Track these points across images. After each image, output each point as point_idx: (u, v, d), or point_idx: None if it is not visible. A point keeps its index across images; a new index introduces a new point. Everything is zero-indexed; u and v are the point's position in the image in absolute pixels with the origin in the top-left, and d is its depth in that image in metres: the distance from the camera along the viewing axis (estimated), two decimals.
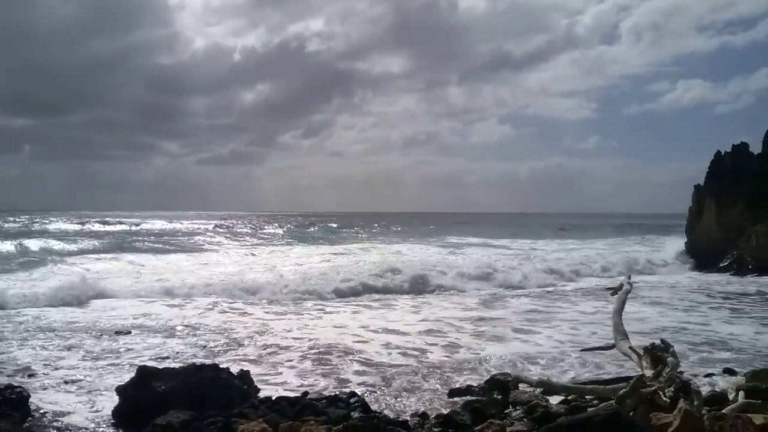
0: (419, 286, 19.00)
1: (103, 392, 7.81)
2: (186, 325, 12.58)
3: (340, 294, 17.38)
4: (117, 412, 6.85)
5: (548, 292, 18.87)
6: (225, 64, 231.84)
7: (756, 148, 29.49)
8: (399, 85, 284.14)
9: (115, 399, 6.99)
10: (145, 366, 7.54)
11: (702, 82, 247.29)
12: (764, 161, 28.74)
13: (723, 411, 5.43)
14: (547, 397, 7.10)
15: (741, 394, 6.36)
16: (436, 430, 6.47)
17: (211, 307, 15.02)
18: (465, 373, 9.13)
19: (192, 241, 40.92)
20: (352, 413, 6.67)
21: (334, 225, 71.29)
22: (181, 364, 8.50)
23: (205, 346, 10.77)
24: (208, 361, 8.65)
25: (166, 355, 10.09)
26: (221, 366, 7.66)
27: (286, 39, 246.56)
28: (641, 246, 41.24)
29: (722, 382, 8.25)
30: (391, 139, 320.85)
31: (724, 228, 28.75)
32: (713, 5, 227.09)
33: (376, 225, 72.67)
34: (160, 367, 7.78)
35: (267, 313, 14.49)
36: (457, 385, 8.11)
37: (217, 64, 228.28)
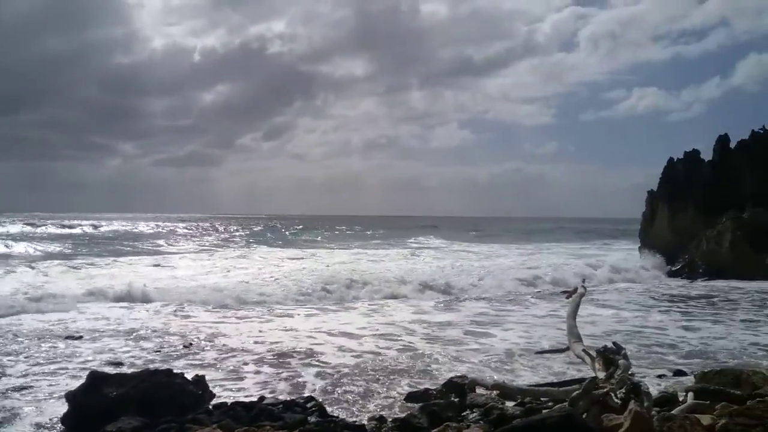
0: (378, 290, 18.90)
1: (52, 399, 7.60)
2: (141, 330, 12.34)
3: (299, 298, 17.21)
4: (66, 420, 6.66)
5: (505, 296, 19.01)
6: (184, 64, 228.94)
7: (707, 155, 30.42)
8: (361, 89, 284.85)
9: (65, 406, 6.80)
10: (95, 371, 7.35)
11: (656, 91, 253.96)
12: (714, 168, 29.61)
13: (672, 412, 5.55)
14: (503, 400, 7.18)
15: (690, 395, 6.51)
16: None
17: (167, 311, 14.76)
18: (422, 376, 9.16)
19: (149, 244, 40.25)
20: (308, 418, 6.63)
21: (298, 227, 70.85)
22: (135, 370, 8.33)
23: (159, 351, 10.57)
24: (162, 367, 8.50)
25: (119, 360, 9.88)
26: (176, 371, 7.53)
27: (247, 40, 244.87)
28: (600, 250, 42.04)
29: (673, 384, 8.45)
30: (352, 142, 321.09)
31: (676, 233, 29.50)
32: (668, 16, 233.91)
33: (344, 228, 72.32)
34: (112, 372, 7.61)
35: (225, 317, 14.30)
36: (414, 389, 8.13)
37: (176, 65, 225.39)
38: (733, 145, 29.63)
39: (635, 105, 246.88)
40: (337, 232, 64.41)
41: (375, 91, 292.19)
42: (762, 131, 29.03)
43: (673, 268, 27.88)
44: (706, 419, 5.32)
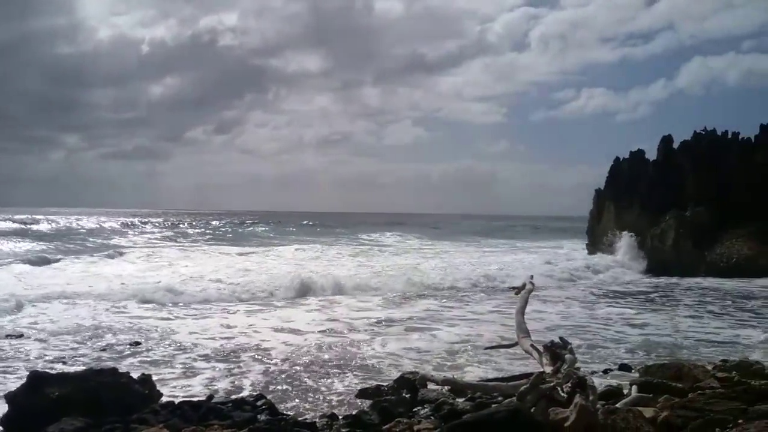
0: (328, 287, 18.75)
1: None
2: (86, 329, 12.01)
3: (248, 296, 16.97)
4: (6, 421, 6.43)
5: (455, 293, 19.12)
6: (132, 55, 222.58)
7: (652, 155, 31.26)
8: (314, 84, 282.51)
9: (4, 407, 6.57)
10: (36, 371, 7.12)
11: (604, 91, 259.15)
12: (658, 168, 30.45)
13: (616, 405, 5.69)
14: (455, 396, 7.24)
15: (634, 388, 6.68)
16: (344, 430, 6.46)
17: (114, 309, 14.40)
18: (372, 373, 9.19)
19: (94, 240, 39.21)
20: (258, 416, 6.56)
21: (250, 223, 69.95)
22: (79, 369, 8.11)
23: (105, 350, 10.33)
24: (108, 366, 8.29)
25: (63, 359, 9.61)
26: (122, 370, 7.37)
27: (198, 32, 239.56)
28: (550, 247, 42.81)
29: (618, 378, 8.67)
30: (305, 138, 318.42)
31: (622, 230, 30.22)
32: (616, 19, 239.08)
33: (296, 224, 71.67)
34: (55, 372, 7.39)
35: (172, 315, 14.05)
36: (365, 386, 8.13)
37: (123, 56, 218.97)
38: (676, 145, 30.52)
39: (584, 105, 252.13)
40: (292, 228, 63.82)
41: (329, 86, 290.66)
42: (704, 132, 29.98)
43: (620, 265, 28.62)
44: (648, 412, 5.48)
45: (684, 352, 10.80)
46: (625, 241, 29.00)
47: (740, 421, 5.04)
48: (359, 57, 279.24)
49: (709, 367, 8.22)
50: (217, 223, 67.72)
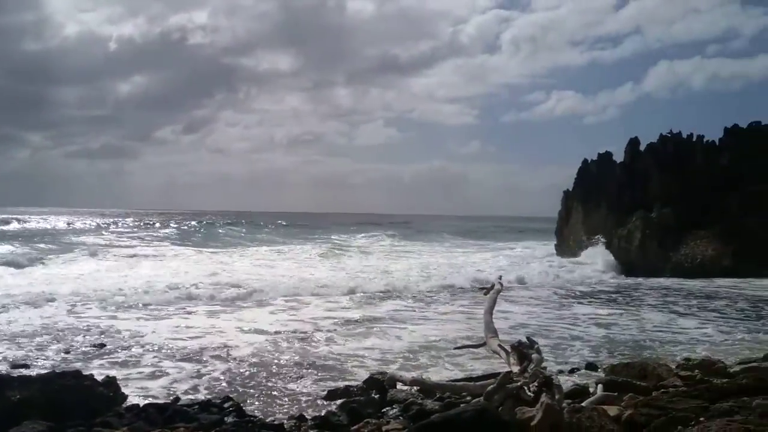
0: (296, 287, 18.64)
1: None
2: (50, 330, 11.77)
3: (216, 296, 16.75)
4: None
5: (425, 293, 19.13)
6: (99, 53, 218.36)
7: (619, 157, 31.75)
8: (285, 84, 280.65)
9: None
10: None
11: (573, 94, 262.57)
12: (625, 169, 30.93)
13: (582, 404, 5.75)
14: (424, 396, 7.26)
15: (599, 387, 6.77)
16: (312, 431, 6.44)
17: (77, 311, 14.12)
18: (341, 374, 9.16)
19: (58, 240, 38.41)
20: (225, 418, 6.51)
21: (220, 223, 69.13)
22: (42, 371, 7.95)
23: (69, 352, 10.13)
24: (72, 368, 8.14)
25: (25, 362, 9.39)
26: (85, 373, 7.24)
27: (167, 30, 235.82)
28: (520, 247, 43.20)
29: (584, 377, 8.78)
30: (276, 137, 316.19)
31: (590, 231, 30.67)
32: (585, 22, 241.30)
33: (267, 225, 71.11)
34: (16, 374, 7.23)
35: (139, 316, 13.81)
36: (334, 387, 8.10)
37: (90, 53, 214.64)
38: (643, 147, 31.03)
39: (554, 107, 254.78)
40: (267, 228, 63.25)
41: (300, 86, 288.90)
42: (669, 135, 30.52)
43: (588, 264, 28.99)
44: (613, 410, 5.55)
45: (649, 351, 10.96)
46: (593, 243, 29.41)
47: (702, 418, 5.12)
48: (331, 57, 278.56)
49: (673, 366, 8.36)
50: (190, 224, 66.67)
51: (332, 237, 52.13)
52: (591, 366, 9.51)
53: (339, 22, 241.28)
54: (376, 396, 7.47)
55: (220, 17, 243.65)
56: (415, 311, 15.42)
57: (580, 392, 7.04)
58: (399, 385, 7.73)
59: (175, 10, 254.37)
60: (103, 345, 10.63)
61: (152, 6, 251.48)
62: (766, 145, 29.59)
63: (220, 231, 55.66)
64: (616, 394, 6.39)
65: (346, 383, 8.23)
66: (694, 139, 30.39)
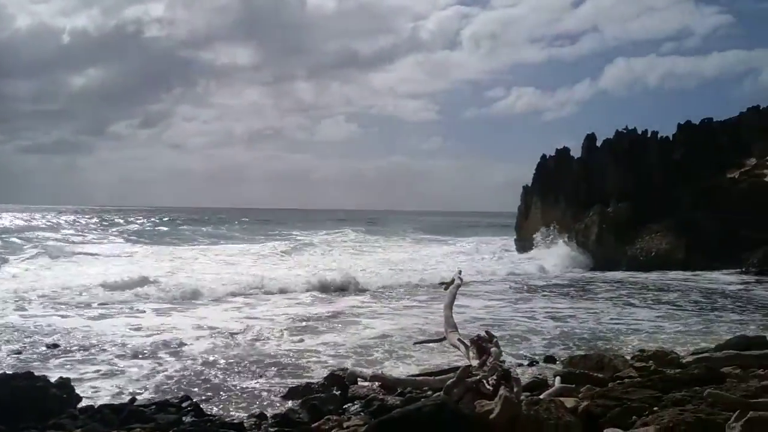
0: (254, 284, 18.41)
1: None
2: None
3: (173, 294, 16.43)
4: None
5: (384, 288, 19.12)
6: (52, 45, 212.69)
7: (576, 153, 32.26)
8: (245, 78, 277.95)
9: None
10: None
11: (533, 91, 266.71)
12: (582, 165, 31.45)
13: (540, 396, 5.83)
14: (385, 391, 7.27)
15: (557, 379, 6.87)
16: (272, 430, 6.39)
17: (31, 310, 13.74)
18: (302, 370, 9.11)
19: (12, 237, 37.32)
20: (183, 418, 6.41)
21: (182, 219, 68.02)
22: None
23: (21, 353, 9.85)
24: (23, 369, 7.91)
25: None
26: (38, 374, 7.05)
27: (123, 22, 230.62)
28: (480, 242, 43.57)
29: (544, 369, 8.90)
30: (235, 132, 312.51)
31: (548, 225, 31.09)
32: (544, 19, 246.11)
33: (227, 221, 70.22)
34: None
35: (94, 316, 13.49)
36: (295, 384, 8.05)
37: (42, 46, 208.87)
38: (599, 143, 31.57)
39: (513, 104, 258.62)
40: (228, 226, 62.40)
41: (260, 80, 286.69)
42: (625, 131, 31.11)
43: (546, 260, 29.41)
44: (570, 402, 5.63)
45: (604, 343, 11.17)
46: (551, 238, 29.83)
47: (655, 408, 5.24)
48: (291, 51, 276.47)
49: (628, 357, 8.54)
50: (151, 220, 65.39)
51: (294, 233, 51.81)
52: (549, 359, 9.65)
53: (299, 16, 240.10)
54: (338, 392, 7.45)
55: (178, 9, 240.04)
56: (374, 307, 15.40)
57: (538, 385, 7.13)
58: (360, 381, 7.72)
59: (131, 2, 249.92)
60: (56, 345, 10.37)
61: None
62: (716, 141, 30.47)
63: (182, 228, 54.69)
64: (573, 386, 6.48)
65: (307, 380, 8.19)
66: (649, 135, 31.04)
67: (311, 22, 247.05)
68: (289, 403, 7.33)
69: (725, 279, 22.08)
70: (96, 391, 7.90)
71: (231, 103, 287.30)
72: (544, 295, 18.16)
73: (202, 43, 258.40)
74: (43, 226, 53.00)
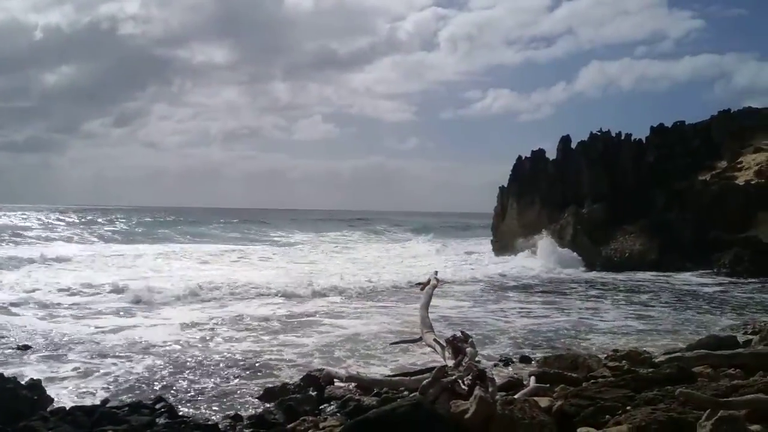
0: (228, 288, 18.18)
1: None
2: None
3: (149, 296, 16.16)
4: None
5: (359, 289, 19.02)
6: (23, 42, 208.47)
7: (552, 154, 32.53)
8: (221, 77, 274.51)
9: None
10: None
11: (509, 92, 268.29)
12: (557, 166, 31.76)
13: (515, 396, 5.87)
14: (362, 392, 7.26)
15: (532, 379, 6.91)
16: (247, 431, 6.36)
17: (1, 311, 13.49)
18: (274, 371, 9.06)
19: None
20: (157, 420, 6.35)
21: (161, 219, 67.02)
22: None
23: None
24: None
25: None
26: (8, 375, 6.93)
27: (97, 19, 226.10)
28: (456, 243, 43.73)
29: (519, 369, 8.96)
30: (211, 131, 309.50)
31: (524, 227, 31.32)
32: (520, 22, 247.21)
33: (222, 222, 69.34)
34: None
35: (65, 317, 13.25)
36: (271, 384, 8.01)
37: (13, 42, 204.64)
38: (574, 145, 31.91)
39: (490, 105, 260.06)
40: (207, 227, 61.54)
41: (236, 80, 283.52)
42: (599, 133, 31.47)
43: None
44: (544, 401, 5.68)
45: (578, 343, 11.28)
46: (529, 242, 29.96)
47: (628, 407, 5.30)
48: (268, 50, 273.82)
49: (602, 357, 8.63)
50: (132, 221, 64.14)
51: (271, 234, 51.55)
52: (525, 359, 9.72)
53: (277, 15, 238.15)
54: (314, 393, 7.42)
55: (153, 7, 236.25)
56: (349, 307, 15.32)
57: (513, 384, 7.17)
58: (336, 382, 7.71)
59: None
60: (27, 347, 10.19)
61: None
62: (688, 144, 30.97)
63: (162, 230, 53.63)
64: (548, 385, 6.53)
65: (283, 381, 8.15)
66: (623, 137, 31.44)
67: (289, 21, 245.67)
68: (265, 404, 7.29)
69: (697, 280, 22.43)
70: (67, 393, 7.79)
71: (207, 102, 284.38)
72: (517, 296, 18.23)
73: (177, 41, 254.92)
74: (25, 226, 51.79)
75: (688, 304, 16.52)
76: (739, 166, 28.90)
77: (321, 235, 51.85)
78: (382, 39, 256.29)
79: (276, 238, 46.96)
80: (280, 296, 16.93)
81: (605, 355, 8.83)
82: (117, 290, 16.46)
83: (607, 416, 5.23)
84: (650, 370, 7.07)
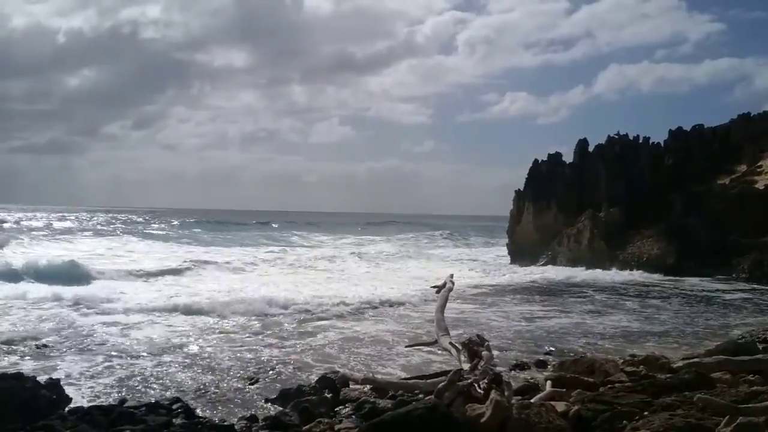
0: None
1: None
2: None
3: (170, 303, 16.11)
4: None
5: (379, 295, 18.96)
6: (47, 46, 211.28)
7: (569, 158, 32.38)
8: (240, 80, 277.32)
9: None
10: None
11: (526, 95, 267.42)
12: (574, 169, 31.57)
13: (531, 400, 5.84)
14: (377, 395, 7.26)
15: (548, 383, 6.88)
16: None
17: (20, 310, 13.59)
18: (293, 374, 9.08)
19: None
20: (173, 420, 6.38)
21: (175, 222, 66.99)
22: None
23: (10, 354, 9.78)
24: (12, 370, 7.85)
25: None
26: (27, 375, 7.00)
27: (118, 24, 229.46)
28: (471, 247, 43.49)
29: (534, 373, 8.92)
30: (229, 134, 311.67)
31: (540, 230, 31.19)
32: (538, 25, 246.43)
33: (247, 224, 69.28)
34: None
35: (84, 318, 13.30)
36: (288, 386, 8.03)
37: (37, 46, 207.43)
38: (591, 148, 31.71)
39: (507, 108, 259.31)
40: (240, 227, 61.19)
41: (255, 83, 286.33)
42: (617, 136, 31.26)
43: (538, 264, 29.53)
44: (561, 406, 5.64)
45: (594, 347, 11.20)
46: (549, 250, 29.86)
47: (645, 413, 5.26)
48: (287, 54, 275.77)
49: (619, 362, 8.56)
50: (172, 222, 63.69)
51: (291, 239, 51.02)
52: (541, 363, 9.67)
53: (296, 19, 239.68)
54: (329, 395, 7.43)
55: (174, 12, 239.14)
56: (364, 313, 15.18)
57: (530, 388, 7.14)
58: (351, 384, 7.71)
59: (127, 4, 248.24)
60: (45, 346, 10.31)
61: None
62: (708, 148, 30.66)
63: (195, 231, 52.84)
64: (564, 390, 6.49)
65: (299, 383, 8.17)
66: (641, 140, 31.20)
67: (307, 25, 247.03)
68: (286, 404, 7.31)
69: (715, 285, 22.18)
70: (86, 392, 7.87)
71: (225, 105, 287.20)
72: (533, 300, 18.12)
73: (197, 45, 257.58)
74: (37, 225, 52.16)
75: (707, 309, 16.37)
76: (758, 170, 28.56)
77: (344, 237, 51.56)
78: (401, 42, 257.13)
79: (297, 244, 46.31)
80: (302, 301, 16.60)
81: (622, 360, 8.76)
82: (141, 296, 16.51)
83: (624, 421, 5.18)
84: (668, 375, 7.02)
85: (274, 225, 67.12)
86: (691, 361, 7.81)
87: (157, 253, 31.02)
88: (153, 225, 60.12)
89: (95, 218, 68.13)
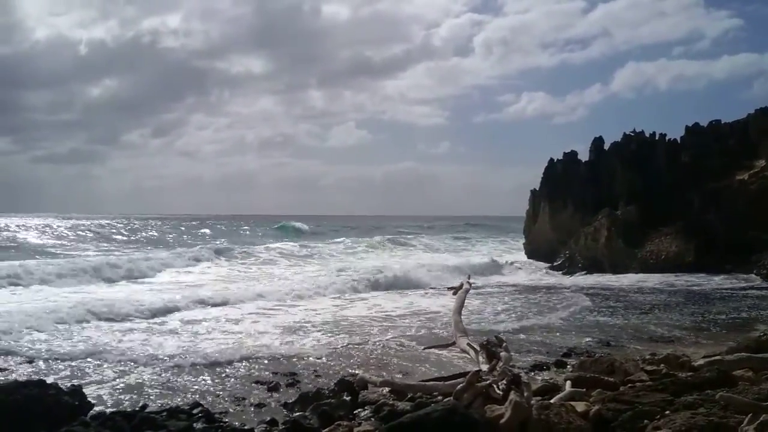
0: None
1: None
2: (10, 339, 11.42)
3: (188, 303, 16.26)
4: None
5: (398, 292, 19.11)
6: (69, 56, 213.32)
7: (585, 156, 32.17)
8: (258, 86, 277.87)
9: None
10: None
11: (543, 95, 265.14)
12: (590, 168, 31.35)
13: (551, 400, 5.81)
14: (396, 397, 7.26)
15: (568, 383, 6.83)
16: None
17: (35, 318, 13.66)
18: (312, 376, 9.12)
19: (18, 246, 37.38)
20: (194, 425, 6.43)
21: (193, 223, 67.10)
22: (3, 381, 7.76)
23: (32, 361, 9.89)
24: (34, 378, 7.95)
25: None
26: (49, 382, 7.09)
27: (140, 33, 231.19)
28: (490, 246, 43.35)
29: (554, 373, 8.88)
30: (247, 140, 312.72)
31: (556, 230, 31.02)
32: (555, 25, 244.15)
33: (251, 228, 69.73)
34: None
35: (102, 323, 13.44)
36: (305, 390, 8.06)
37: (60, 57, 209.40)
38: (607, 146, 31.48)
39: (524, 108, 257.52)
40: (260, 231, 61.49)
41: (273, 89, 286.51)
42: (633, 133, 31.01)
43: (555, 264, 29.38)
44: (581, 406, 5.61)
45: (614, 348, 11.13)
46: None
47: (667, 412, 5.21)
48: (304, 59, 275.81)
49: (640, 361, 8.49)
50: (168, 227, 64.00)
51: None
52: (560, 363, 9.63)
53: (313, 25, 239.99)
54: (348, 398, 7.45)
55: (194, 21, 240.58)
56: (383, 314, 15.28)
57: (549, 389, 7.09)
58: (370, 387, 7.72)
59: (148, 14, 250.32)
60: (66, 353, 10.40)
61: (125, 9, 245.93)
62: (724, 143, 30.29)
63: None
64: (584, 389, 6.45)
65: (318, 386, 8.20)
66: (657, 137, 30.92)
67: (325, 31, 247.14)
68: (304, 407, 7.33)
69: (736, 282, 21.97)
70: (107, 398, 7.93)
71: (243, 111, 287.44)
72: (552, 299, 18.06)
73: (216, 53, 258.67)
74: (60, 233, 52.38)
75: (727, 307, 16.20)
76: None
77: (361, 240, 51.51)
78: (417, 46, 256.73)
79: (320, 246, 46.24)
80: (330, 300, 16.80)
81: (642, 359, 8.70)
82: (157, 299, 16.67)
83: (645, 421, 5.13)
84: (689, 374, 6.95)
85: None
86: (713, 359, 7.73)
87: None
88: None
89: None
